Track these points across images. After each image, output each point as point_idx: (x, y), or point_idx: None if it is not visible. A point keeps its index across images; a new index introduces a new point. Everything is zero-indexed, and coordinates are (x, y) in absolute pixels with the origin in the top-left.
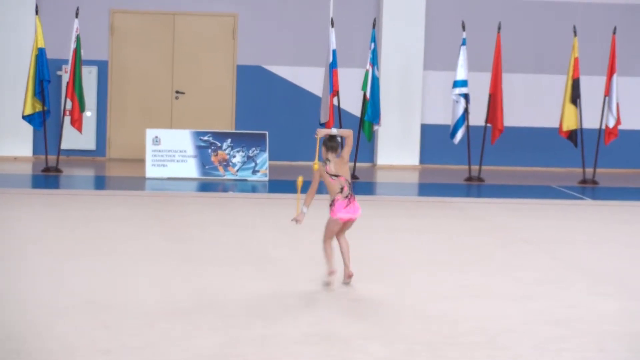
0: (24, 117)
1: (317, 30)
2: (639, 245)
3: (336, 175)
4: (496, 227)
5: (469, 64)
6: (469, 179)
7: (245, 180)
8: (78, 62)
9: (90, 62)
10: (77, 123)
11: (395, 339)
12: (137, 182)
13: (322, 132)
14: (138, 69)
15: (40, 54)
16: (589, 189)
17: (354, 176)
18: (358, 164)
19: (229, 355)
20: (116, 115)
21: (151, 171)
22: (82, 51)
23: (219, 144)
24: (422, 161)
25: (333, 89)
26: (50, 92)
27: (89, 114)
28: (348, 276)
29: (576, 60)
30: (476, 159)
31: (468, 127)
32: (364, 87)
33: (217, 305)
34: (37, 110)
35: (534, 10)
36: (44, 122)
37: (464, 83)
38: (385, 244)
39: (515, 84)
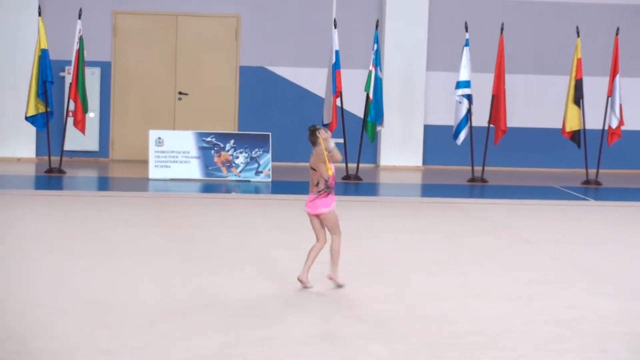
0: (27, 118)
1: (320, 31)
2: None
3: (313, 169)
4: (499, 227)
5: (471, 64)
6: (472, 179)
7: (248, 181)
8: (81, 63)
9: (93, 63)
10: (80, 124)
11: (396, 339)
12: (140, 183)
13: (328, 140)
14: (141, 70)
15: (43, 55)
16: (592, 189)
17: (357, 177)
18: (361, 165)
19: (229, 356)
20: (119, 117)
21: (154, 172)
22: (85, 52)
23: (222, 145)
24: (425, 162)
25: (336, 90)
26: (53, 93)
27: (92, 115)
28: (328, 277)
29: (579, 61)
30: (479, 160)
31: (471, 127)
32: (366, 88)
33: (218, 305)
34: (40, 111)
35: (536, 11)
36: (47, 123)
37: (466, 84)
38: (388, 244)
39: (518, 85)
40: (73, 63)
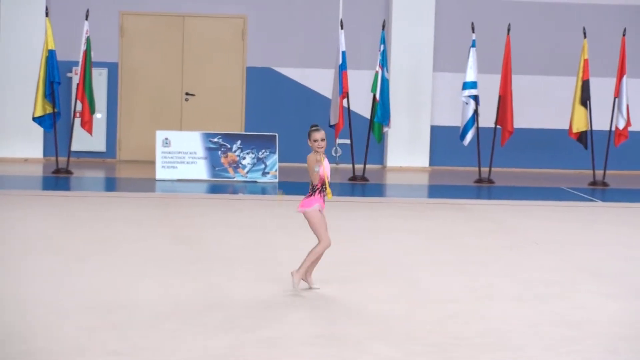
0: (34, 119)
1: (326, 31)
2: None
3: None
4: (505, 228)
5: (478, 65)
6: (479, 180)
7: (255, 182)
8: (88, 64)
9: (100, 64)
10: (87, 125)
11: (404, 340)
12: (147, 184)
13: (313, 163)
14: (148, 71)
15: (51, 56)
16: (599, 190)
17: (363, 178)
18: (368, 166)
19: (236, 356)
20: (126, 117)
21: (161, 173)
22: (92, 53)
23: (229, 146)
24: (431, 163)
25: (343, 91)
26: (61, 94)
27: (99, 116)
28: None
29: (586, 61)
30: (486, 161)
31: (478, 128)
32: (373, 89)
33: (223, 305)
34: (47, 112)
35: (543, 11)
36: (54, 124)
37: (473, 85)
38: (394, 244)
39: (524, 86)
40: (80, 64)
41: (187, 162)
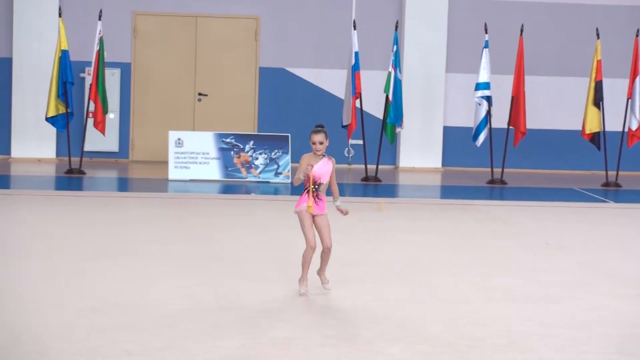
0: (47, 119)
1: (339, 32)
2: None
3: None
4: (518, 229)
5: (491, 66)
6: (492, 181)
7: (268, 182)
8: (101, 64)
9: (113, 64)
10: (100, 125)
11: (417, 340)
12: (160, 184)
13: (302, 166)
14: (161, 71)
15: (64, 56)
16: (612, 191)
17: (376, 178)
18: (380, 167)
19: (248, 357)
20: (139, 117)
21: (174, 173)
22: (105, 53)
23: (242, 146)
24: (444, 163)
25: (355, 92)
26: (74, 94)
27: (112, 116)
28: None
29: (599, 62)
30: (498, 162)
31: (490, 129)
32: (386, 90)
33: (237, 306)
34: (60, 112)
35: (556, 12)
36: (67, 124)
37: (486, 85)
38: (407, 245)
39: (537, 87)
40: (93, 64)
41: (200, 163)
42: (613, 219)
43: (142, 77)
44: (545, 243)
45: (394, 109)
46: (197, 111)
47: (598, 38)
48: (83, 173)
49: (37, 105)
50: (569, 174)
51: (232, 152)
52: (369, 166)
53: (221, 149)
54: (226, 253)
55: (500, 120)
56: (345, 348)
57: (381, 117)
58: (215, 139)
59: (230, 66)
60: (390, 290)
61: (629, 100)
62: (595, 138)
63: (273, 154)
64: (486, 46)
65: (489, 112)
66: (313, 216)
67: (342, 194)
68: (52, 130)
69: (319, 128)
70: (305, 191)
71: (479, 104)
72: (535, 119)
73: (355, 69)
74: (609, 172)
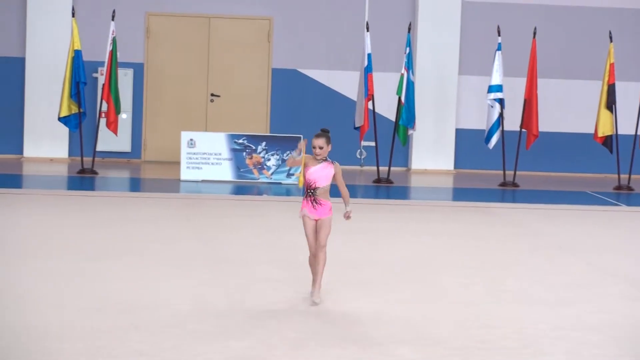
0: (59, 119)
1: (352, 34)
2: None
3: None
4: (530, 232)
5: (504, 69)
6: (504, 184)
7: (280, 183)
8: (114, 64)
9: (126, 65)
10: (112, 125)
11: (428, 343)
12: (172, 185)
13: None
14: (173, 72)
15: (77, 56)
16: (624, 195)
17: (388, 180)
18: (393, 168)
19: (260, 358)
20: (151, 118)
21: (186, 174)
22: (118, 53)
23: (254, 147)
24: (456, 166)
25: (368, 93)
26: (86, 94)
27: (125, 116)
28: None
29: (612, 65)
30: (511, 164)
31: (503, 132)
32: (399, 92)
33: (247, 307)
34: (73, 112)
35: (569, 15)
36: (80, 124)
37: (499, 88)
38: (419, 247)
39: (550, 90)
40: (106, 64)
41: (212, 163)
42: (625, 222)
43: (155, 77)
44: (558, 246)
45: (406, 110)
46: (209, 112)
47: (611, 41)
48: (95, 173)
49: (50, 105)
50: (581, 177)
51: (244, 153)
52: (381, 168)
53: (233, 150)
54: (237, 254)
55: (512, 122)
56: (355, 349)
57: (393, 119)
58: (227, 140)
59: (243, 67)
60: (401, 292)
61: None
62: (607, 141)
63: (285, 155)
64: (499, 49)
65: (501, 115)
66: (315, 220)
67: (353, 195)
68: (64, 130)
69: (321, 132)
70: (305, 196)
71: (492, 107)
72: (548, 122)
73: (367, 70)
74: (621, 175)
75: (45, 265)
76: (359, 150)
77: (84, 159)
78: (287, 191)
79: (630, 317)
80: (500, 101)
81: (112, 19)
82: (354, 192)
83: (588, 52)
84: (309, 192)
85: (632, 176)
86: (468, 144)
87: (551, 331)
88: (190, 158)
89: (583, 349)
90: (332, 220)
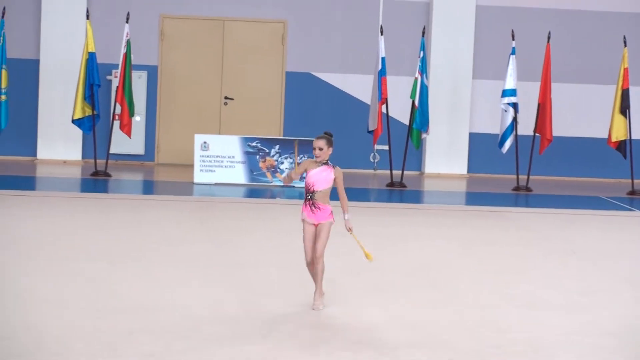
0: (73, 121)
1: (366, 37)
2: None
3: None
4: (543, 236)
5: (518, 73)
6: (517, 188)
7: (293, 186)
8: (128, 66)
9: (140, 67)
10: (126, 127)
11: (441, 347)
12: (185, 187)
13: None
14: (187, 75)
15: (91, 59)
16: (638, 200)
17: (401, 184)
18: (406, 172)
19: None
20: (165, 120)
21: (199, 176)
22: (132, 56)
23: (267, 150)
24: (470, 170)
25: (382, 97)
26: (100, 96)
27: (138, 119)
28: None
29: (626, 70)
30: (524, 169)
31: (516, 136)
32: (412, 95)
33: (262, 311)
34: (86, 114)
35: (583, 20)
36: (94, 126)
37: (512, 92)
38: (432, 251)
39: (564, 94)
40: (120, 66)
41: (225, 166)
42: (639, 227)
43: (169, 80)
44: (571, 251)
45: (420, 114)
46: (223, 115)
47: (625, 46)
48: (109, 175)
49: (64, 107)
50: (595, 182)
51: (257, 156)
52: (394, 172)
53: (247, 153)
54: (250, 257)
55: (526, 127)
56: (368, 353)
57: (407, 122)
58: (241, 143)
59: (257, 70)
60: (415, 296)
61: None
62: (621, 146)
63: (299, 158)
64: (513, 53)
65: (515, 119)
66: (315, 225)
67: (366, 199)
68: (78, 132)
69: (323, 134)
70: (304, 200)
71: (505, 111)
72: (562, 126)
73: (381, 74)
74: (635, 180)
75: (59, 268)
76: (372, 154)
77: (98, 161)
78: (300, 194)
79: None
80: (514, 105)
81: (127, 22)
82: (366, 195)
83: (602, 56)
84: (307, 195)
85: None
86: (482, 148)
87: (564, 336)
88: (203, 161)
89: (597, 355)
90: (334, 225)
